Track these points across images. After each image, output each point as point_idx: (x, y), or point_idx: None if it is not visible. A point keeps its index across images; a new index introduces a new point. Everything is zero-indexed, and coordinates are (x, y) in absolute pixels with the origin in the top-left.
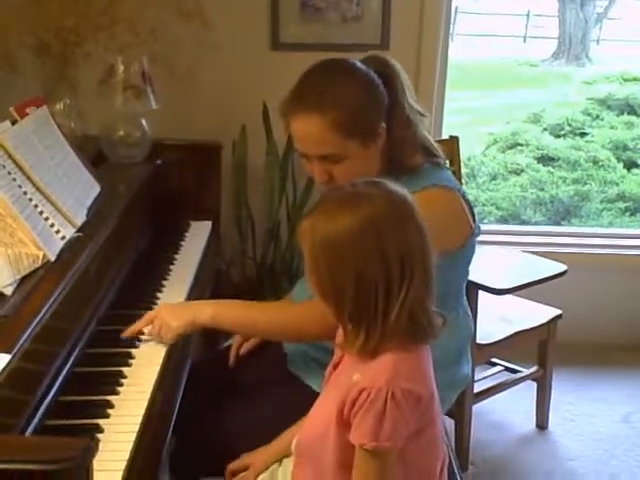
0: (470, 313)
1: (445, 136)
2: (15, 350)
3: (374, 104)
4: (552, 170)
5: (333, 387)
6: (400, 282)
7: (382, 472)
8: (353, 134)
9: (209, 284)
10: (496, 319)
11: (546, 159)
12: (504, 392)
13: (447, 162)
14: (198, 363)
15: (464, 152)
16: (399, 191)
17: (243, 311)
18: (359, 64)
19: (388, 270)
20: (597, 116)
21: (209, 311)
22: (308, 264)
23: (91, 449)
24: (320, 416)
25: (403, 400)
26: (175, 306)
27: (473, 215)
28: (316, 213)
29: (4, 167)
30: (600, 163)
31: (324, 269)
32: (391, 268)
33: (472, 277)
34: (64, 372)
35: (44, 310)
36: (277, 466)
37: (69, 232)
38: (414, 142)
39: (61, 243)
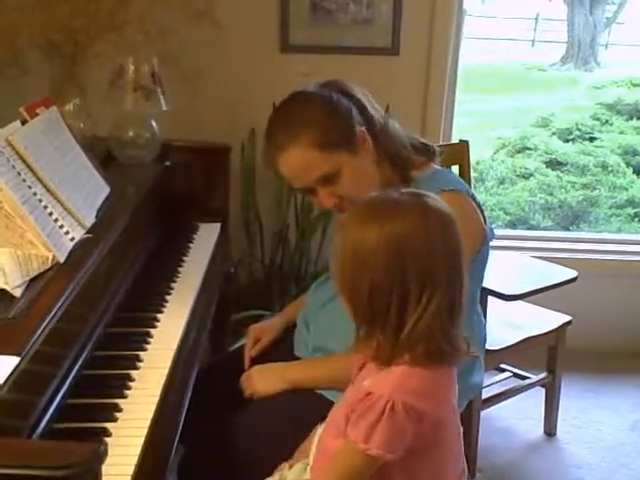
0: (484, 320)
1: (455, 140)
2: (24, 352)
3: (340, 112)
4: (561, 175)
5: (352, 388)
6: (417, 300)
7: (359, 471)
8: (336, 145)
9: (218, 286)
10: (505, 325)
11: (555, 164)
12: (512, 398)
13: (440, 150)
14: (206, 366)
15: (472, 156)
16: (438, 208)
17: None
18: (311, 88)
19: (405, 287)
20: (606, 121)
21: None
22: (337, 252)
23: (100, 454)
24: (337, 415)
25: (403, 413)
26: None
27: (484, 217)
28: (354, 212)
29: (14, 167)
30: (609, 168)
31: (347, 267)
32: (409, 286)
33: None
34: (72, 375)
35: (53, 312)
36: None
37: (79, 233)
38: (401, 142)
39: (70, 244)
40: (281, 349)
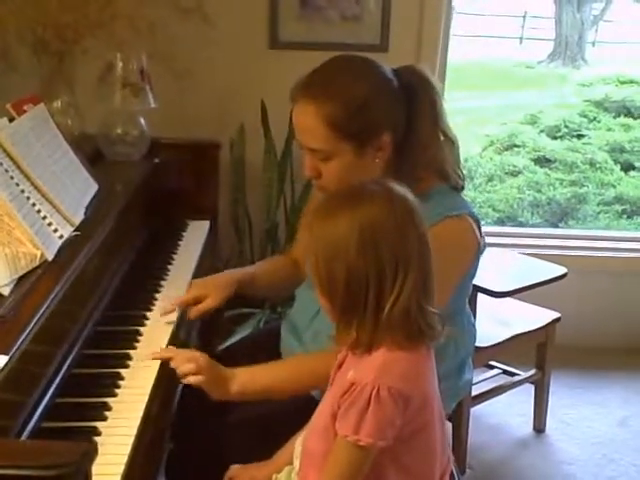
0: (473, 320)
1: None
2: (13, 351)
3: (380, 111)
4: (549, 172)
5: (334, 387)
6: (393, 281)
7: (358, 464)
8: (347, 135)
9: None
10: (494, 322)
11: (543, 161)
12: (502, 395)
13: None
14: None
15: (461, 153)
16: (402, 193)
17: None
18: (384, 68)
19: (381, 269)
20: (594, 118)
21: (236, 385)
22: (308, 251)
23: (90, 454)
24: (321, 416)
25: (389, 399)
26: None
27: (480, 230)
28: (319, 208)
29: (1, 165)
30: (597, 165)
31: (321, 261)
32: (384, 268)
33: None
34: (61, 373)
35: (42, 310)
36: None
37: (67, 231)
38: (429, 165)
39: (59, 242)
40: (268, 353)
